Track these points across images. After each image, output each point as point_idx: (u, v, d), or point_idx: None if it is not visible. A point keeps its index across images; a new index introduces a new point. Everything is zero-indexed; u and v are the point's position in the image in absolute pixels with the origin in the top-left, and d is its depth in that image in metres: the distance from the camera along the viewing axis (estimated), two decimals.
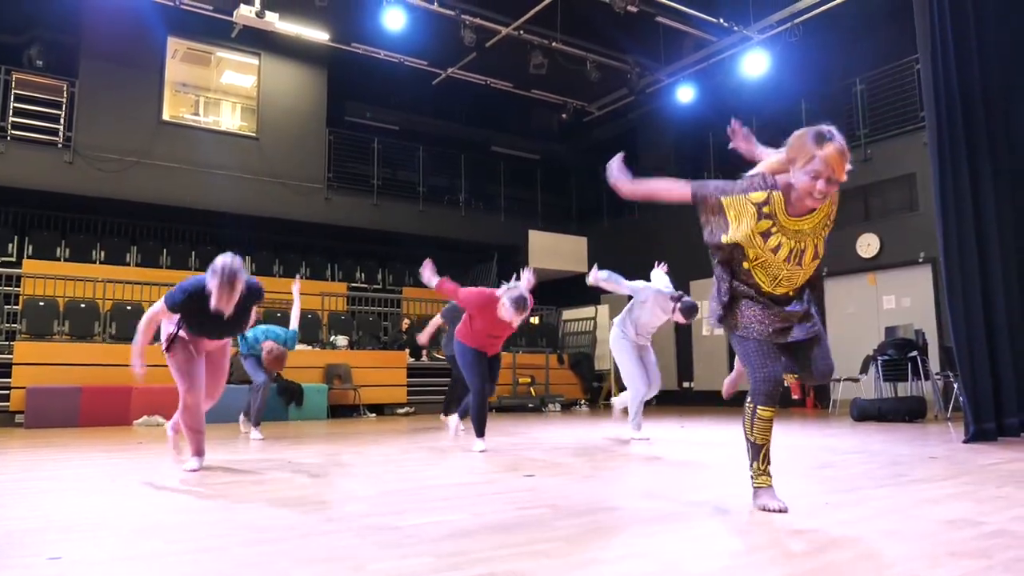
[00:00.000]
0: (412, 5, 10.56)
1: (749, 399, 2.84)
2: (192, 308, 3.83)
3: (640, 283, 6.07)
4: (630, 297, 6.22)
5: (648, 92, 13.67)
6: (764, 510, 2.72)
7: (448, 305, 7.36)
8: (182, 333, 4.00)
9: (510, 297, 5.05)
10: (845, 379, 10.19)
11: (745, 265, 2.73)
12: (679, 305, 5.87)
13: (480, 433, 5.38)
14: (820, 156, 2.48)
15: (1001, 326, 5.67)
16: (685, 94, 13.24)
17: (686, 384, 13.70)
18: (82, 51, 11.35)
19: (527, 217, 15.48)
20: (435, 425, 8.29)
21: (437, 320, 7.55)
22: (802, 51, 11.40)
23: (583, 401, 13.18)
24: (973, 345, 5.56)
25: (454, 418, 6.61)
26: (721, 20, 11.42)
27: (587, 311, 14.46)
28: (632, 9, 10.36)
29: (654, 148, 15.21)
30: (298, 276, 7.78)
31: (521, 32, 11.71)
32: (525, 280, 5.32)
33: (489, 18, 11.43)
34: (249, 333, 7.07)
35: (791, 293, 2.77)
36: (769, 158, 2.77)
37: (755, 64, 11.67)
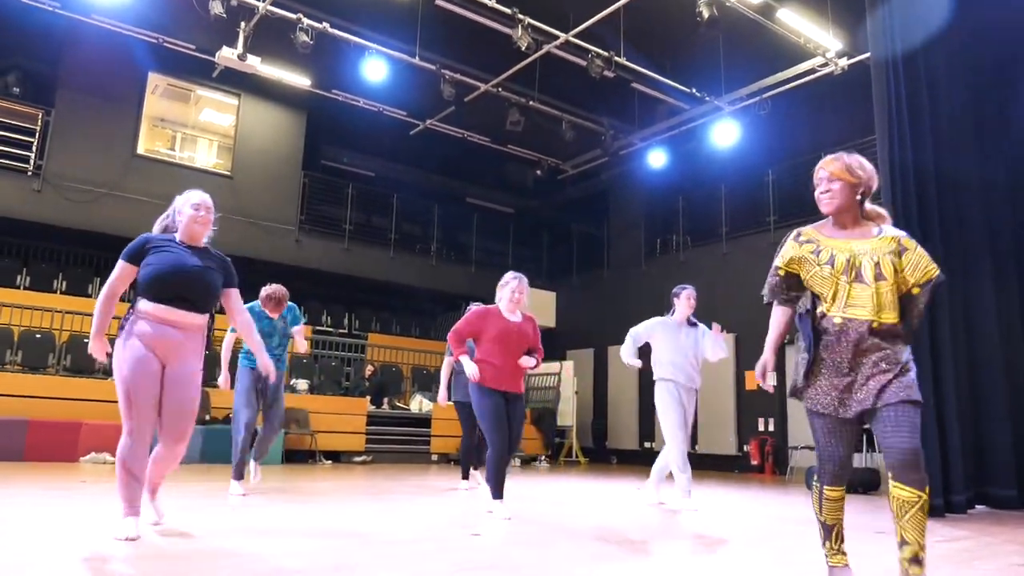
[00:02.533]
0: (393, 57, 10.77)
1: (816, 478, 2.78)
2: (154, 257, 3.34)
3: (641, 326, 5.78)
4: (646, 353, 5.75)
5: (621, 154, 13.98)
6: None
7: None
8: (140, 322, 3.29)
9: (501, 285, 4.74)
10: (802, 447, 10.29)
11: (818, 299, 2.70)
12: (679, 292, 5.68)
13: (498, 494, 4.60)
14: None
15: (950, 399, 5.79)
16: (657, 158, 13.55)
17: (647, 444, 13.68)
18: (60, 81, 11.35)
19: (498, 269, 15.37)
20: (397, 475, 8.15)
21: (448, 363, 6.83)
22: (770, 123, 11.78)
23: (543, 457, 13.09)
24: (923, 418, 5.66)
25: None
26: (693, 90, 11.79)
27: (552, 367, 14.45)
28: (608, 74, 10.67)
29: (625, 209, 15.49)
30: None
31: (499, 89, 11.97)
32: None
33: (469, 74, 11.68)
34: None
35: (876, 324, 2.57)
36: None
37: (725, 133, 12.02)
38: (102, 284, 12.42)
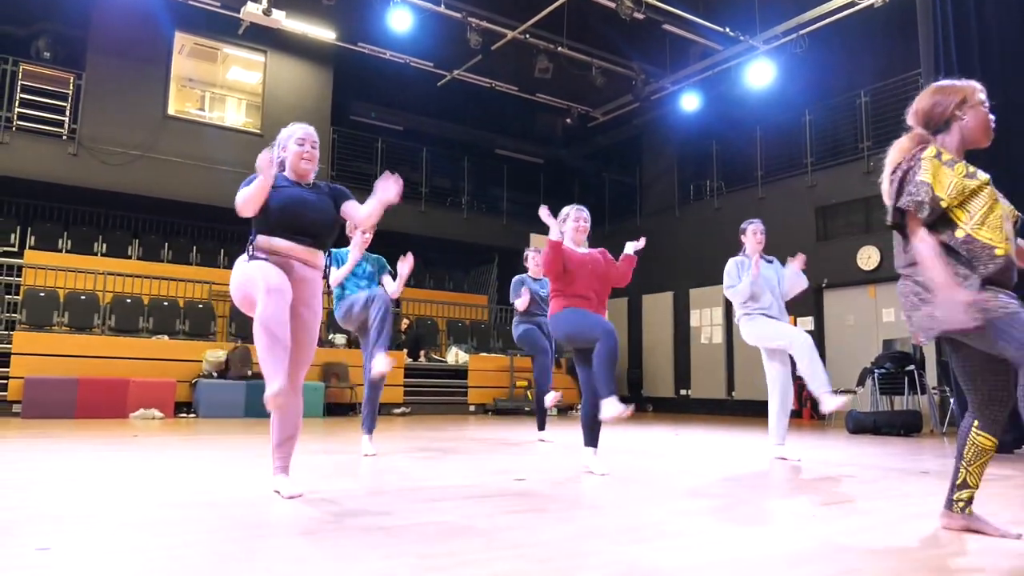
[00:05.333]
0: (419, 6, 10.59)
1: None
2: (273, 193, 3.10)
3: (731, 275, 5.42)
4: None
5: (653, 99, 13.69)
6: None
7: (516, 280, 6.74)
8: (264, 253, 3.10)
9: (561, 220, 4.39)
10: (842, 391, 10.19)
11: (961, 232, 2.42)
12: (745, 228, 5.43)
13: (593, 440, 4.27)
14: (979, 87, 2.59)
15: None
16: (690, 102, 13.26)
17: (683, 392, 13.69)
18: (90, 44, 11.39)
19: (529, 220, 15.40)
20: (441, 427, 8.28)
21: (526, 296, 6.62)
22: (807, 62, 11.40)
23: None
24: None
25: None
26: (727, 29, 11.44)
27: None
28: (638, 16, 10.39)
29: (658, 155, 15.24)
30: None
31: (527, 36, 11.73)
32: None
33: (495, 21, 11.46)
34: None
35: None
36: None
37: (760, 74, 11.68)
38: (141, 245, 12.55)
